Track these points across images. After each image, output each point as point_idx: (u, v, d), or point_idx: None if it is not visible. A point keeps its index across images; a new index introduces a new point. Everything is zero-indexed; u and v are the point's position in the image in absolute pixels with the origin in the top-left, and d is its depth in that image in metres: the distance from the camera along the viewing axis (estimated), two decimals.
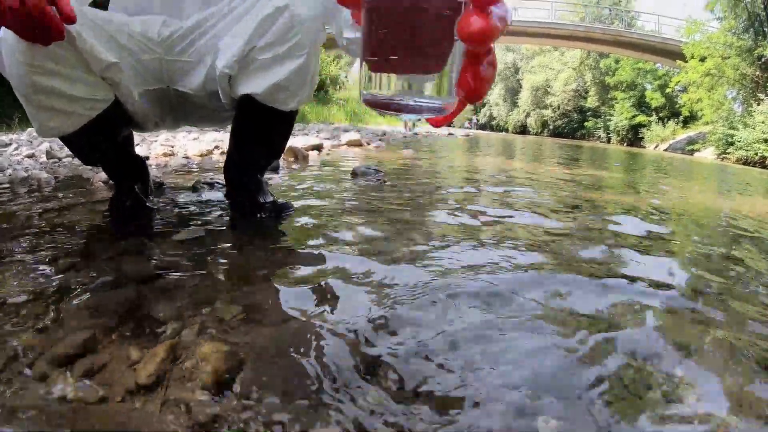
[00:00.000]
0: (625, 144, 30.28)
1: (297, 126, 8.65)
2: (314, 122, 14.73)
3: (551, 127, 42.85)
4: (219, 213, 1.62)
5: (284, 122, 1.41)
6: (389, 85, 0.47)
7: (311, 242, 1.35)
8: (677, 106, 26.05)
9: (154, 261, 1.13)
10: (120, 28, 1.27)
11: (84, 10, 1.17)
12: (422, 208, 1.89)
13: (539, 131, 44.64)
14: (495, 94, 54.29)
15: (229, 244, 1.28)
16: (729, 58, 18.74)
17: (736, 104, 19.80)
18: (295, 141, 4.05)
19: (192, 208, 1.68)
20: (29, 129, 7.94)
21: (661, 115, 28.89)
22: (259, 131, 1.45)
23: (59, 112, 1.17)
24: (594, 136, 36.61)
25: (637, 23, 33.37)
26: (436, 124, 0.51)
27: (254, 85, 1.26)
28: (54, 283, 0.96)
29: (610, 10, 35.81)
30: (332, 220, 1.61)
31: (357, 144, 6.02)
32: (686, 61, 19.94)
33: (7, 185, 2.16)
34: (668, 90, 28.44)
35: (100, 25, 1.21)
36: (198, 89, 1.37)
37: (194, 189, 1.99)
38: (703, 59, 19.28)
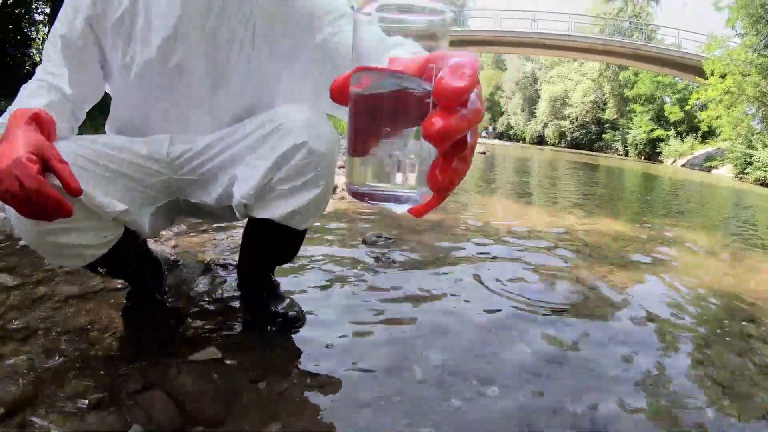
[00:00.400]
0: (642, 158, 30.17)
1: None
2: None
3: (569, 138, 42.73)
4: (233, 319, 1.61)
5: (298, 234, 1.43)
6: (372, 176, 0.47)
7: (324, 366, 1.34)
8: (696, 120, 25.85)
9: (178, 403, 1.13)
10: (122, 157, 1.24)
11: (80, 152, 1.15)
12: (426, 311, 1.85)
13: (556, 142, 44.56)
14: (513, 104, 54.37)
15: (244, 372, 1.28)
16: (749, 75, 18.60)
17: (755, 121, 19.65)
18: None
19: (208, 306, 1.68)
20: None
21: (679, 129, 28.73)
22: (273, 244, 1.47)
23: (72, 257, 1.20)
24: (611, 148, 36.49)
25: (656, 37, 33.24)
26: (417, 214, 0.52)
27: (271, 212, 1.26)
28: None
29: (630, 23, 35.74)
30: (340, 332, 1.57)
31: None
32: (706, 78, 19.84)
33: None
34: (687, 107, 28.26)
35: (102, 164, 1.19)
36: (210, 203, 1.37)
37: (207, 268, 2.00)
38: (723, 76, 19.16)
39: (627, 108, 35.27)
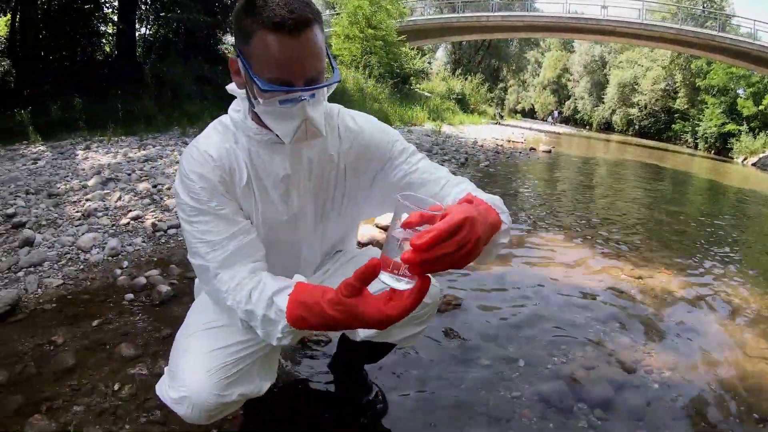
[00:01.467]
0: (712, 152, 29.46)
1: None
2: (397, 123, 14.71)
3: (637, 126, 41.91)
4: (330, 409, 1.94)
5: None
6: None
7: None
8: None
9: None
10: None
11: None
12: None
13: (624, 129, 43.70)
14: (581, 88, 53.26)
15: None
16: None
17: None
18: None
19: (318, 379, 2.09)
20: (125, 138, 8.33)
21: (752, 125, 27.98)
22: (375, 355, 1.83)
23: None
24: (681, 140, 35.66)
25: (731, 24, 31.99)
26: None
27: (384, 338, 1.55)
28: None
29: (704, 8, 34.57)
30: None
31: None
32: None
33: (104, 297, 2.75)
34: (763, 104, 27.37)
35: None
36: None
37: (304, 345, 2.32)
38: None
39: (698, 98, 34.34)
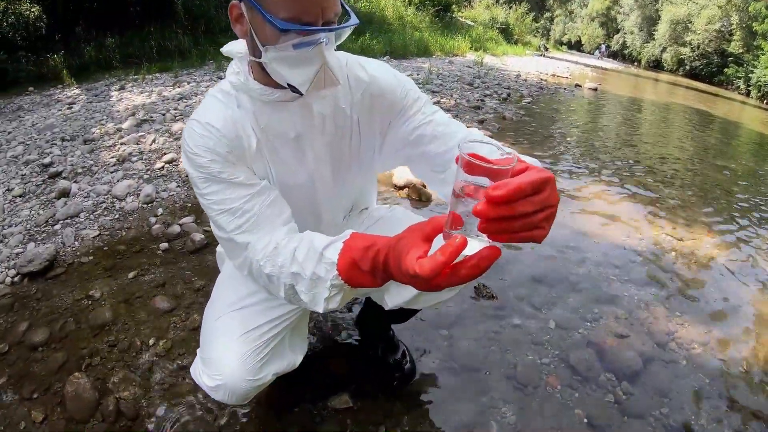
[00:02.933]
0: (765, 102, 28.37)
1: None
2: (438, 54, 14.34)
3: (687, 67, 40.05)
4: (360, 368, 2.00)
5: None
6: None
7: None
8: None
9: None
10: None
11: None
12: None
13: (674, 69, 42.13)
14: (630, 21, 51.17)
15: (368, 419, 1.77)
16: None
17: None
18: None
19: (346, 339, 2.15)
20: (160, 75, 8.29)
21: None
22: (403, 316, 1.82)
23: None
24: (732, 85, 34.19)
25: None
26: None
27: (413, 305, 1.51)
28: None
29: None
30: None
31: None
32: None
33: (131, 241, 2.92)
34: None
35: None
36: None
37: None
38: None
39: (754, 44, 32.85)
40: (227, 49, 1.23)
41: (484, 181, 0.73)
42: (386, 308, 1.53)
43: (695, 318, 2.60)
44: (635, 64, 48.54)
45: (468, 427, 1.80)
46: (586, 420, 1.87)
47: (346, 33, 1.10)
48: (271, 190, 1.20)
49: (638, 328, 2.44)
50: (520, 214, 0.71)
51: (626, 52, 52.83)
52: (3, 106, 7.33)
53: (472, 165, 0.72)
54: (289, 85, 1.10)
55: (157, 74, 8.65)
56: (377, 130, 1.34)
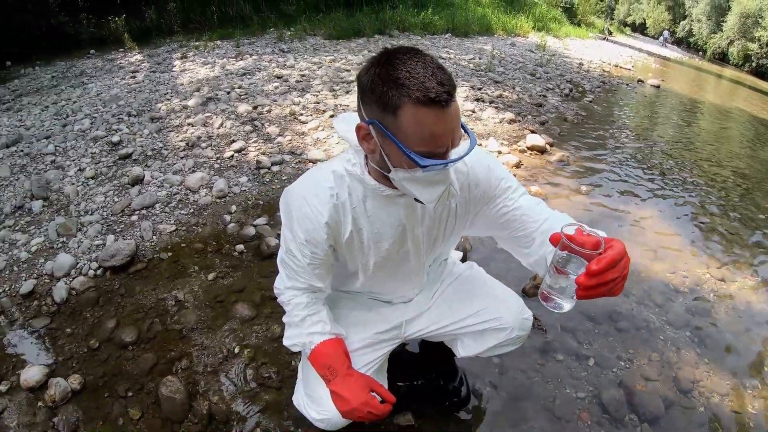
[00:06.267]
0: None
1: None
2: (500, 33, 14.29)
3: (754, 63, 38.65)
4: (420, 390, 2.28)
5: None
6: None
7: None
8: None
9: None
10: (372, 340, 1.82)
11: (361, 361, 1.74)
12: None
13: (740, 64, 40.87)
14: (698, 9, 49.50)
15: None
16: None
17: None
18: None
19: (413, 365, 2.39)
20: (221, 43, 8.49)
21: None
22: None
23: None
24: None
25: None
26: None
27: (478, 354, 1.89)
28: None
29: None
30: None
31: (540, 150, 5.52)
32: None
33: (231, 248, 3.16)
34: None
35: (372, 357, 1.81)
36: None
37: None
38: None
39: None
40: (343, 132, 1.38)
41: (578, 258, 1.11)
42: (458, 356, 1.94)
43: (720, 368, 2.70)
44: (699, 54, 47.17)
45: None
46: None
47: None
48: (323, 283, 1.59)
49: (667, 371, 2.63)
50: (609, 281, 1.06)
51: (691, 40, 51.29)
52: (66, 70, 7.67)
53: (572, 249, 1.11)
54: None
55: (218, 41, 8.93)
56: (471, 213, 1.58)
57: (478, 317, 1.77)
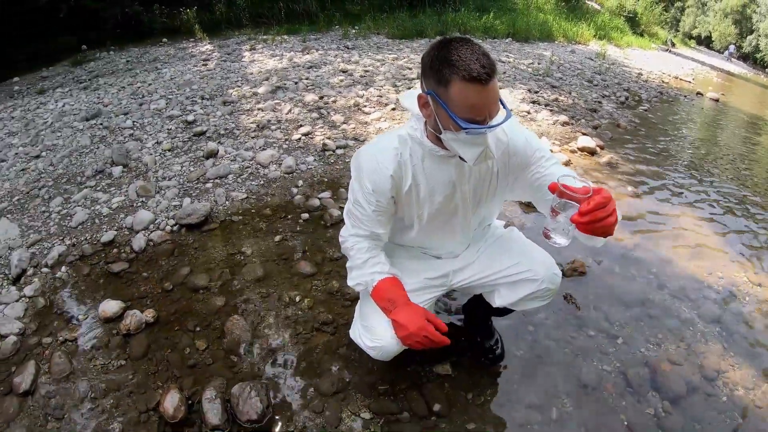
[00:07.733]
0: None
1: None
2: (560, 40, 14.27)
3: None
4: (461, 345, 2.50)
5: None
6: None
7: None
8: None
9: (426, 400, 2.21)
10: (424, 284, 2.06)
11: (417, 300, 1.89)
12: None
13: None
14: (766, 24, 47.84)
15: (463, 388, 2.30)
16: None
17: None
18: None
19: (455, 320, 2.67)
20: (288, 38, 8.97)
21: None
22: (503, 312, 2.29)
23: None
24: None
25: None
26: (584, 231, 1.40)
27: (515, 306, 2.10)
28: None
29: None
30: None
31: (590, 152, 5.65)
32: None
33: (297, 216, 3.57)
34: None
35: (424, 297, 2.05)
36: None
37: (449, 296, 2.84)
38: None
39: None
40: (407, 104, 1.69)
41: (572, 203, 1.41)
42: (493, 306, 2.12)
43: (749, 364, 2.73)
44: (766, 71, 45.89)
45: (534, 407, 2.28)
46: (626, 423, 2.26)
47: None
48: (384, 230, 1.85)
49: (693, 359, 2.72)
50: (598, 219, 1.33)
51: (758, 56, 49.91)
52: (140, 56, 8.13)
53: (567, 195, 1.41)
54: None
55: (285, 36, 9.33)
56: (510, 177, 1.86)
57: (514, 269, 1.99)
